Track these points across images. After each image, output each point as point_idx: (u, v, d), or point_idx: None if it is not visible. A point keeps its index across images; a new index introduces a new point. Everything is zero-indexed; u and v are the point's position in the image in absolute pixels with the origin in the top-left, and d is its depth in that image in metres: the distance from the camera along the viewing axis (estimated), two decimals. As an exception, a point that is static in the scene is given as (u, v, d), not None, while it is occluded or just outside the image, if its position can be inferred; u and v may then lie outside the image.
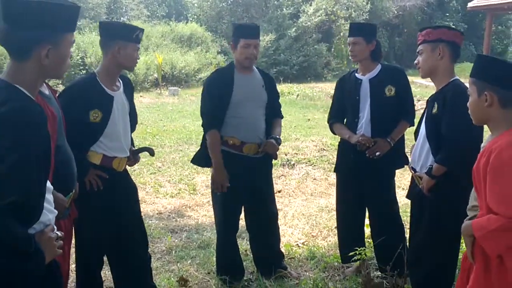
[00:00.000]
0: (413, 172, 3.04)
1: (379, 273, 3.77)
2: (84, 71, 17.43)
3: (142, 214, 5.24)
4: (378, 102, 3.62)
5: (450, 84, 2.85)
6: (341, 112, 3.89)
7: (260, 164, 3.58)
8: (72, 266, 3.30)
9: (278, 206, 5.54)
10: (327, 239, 4.56)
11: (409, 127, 3.68)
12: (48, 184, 1.80)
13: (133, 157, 3.26)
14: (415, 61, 3.01)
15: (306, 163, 7.24)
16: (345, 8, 23.89)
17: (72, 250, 3.07)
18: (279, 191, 6.08)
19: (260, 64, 21.37)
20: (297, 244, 4.47)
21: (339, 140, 3.97)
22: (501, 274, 2.02)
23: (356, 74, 3.75)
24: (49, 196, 1.80)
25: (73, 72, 17.19)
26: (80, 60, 17.46)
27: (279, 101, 3.89)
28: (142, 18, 31.91)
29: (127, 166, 3.26)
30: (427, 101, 3.05)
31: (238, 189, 3.52)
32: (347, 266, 3.95)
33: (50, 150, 1.73)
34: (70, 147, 2.66)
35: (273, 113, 3.73)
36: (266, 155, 3.61)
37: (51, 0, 1.71)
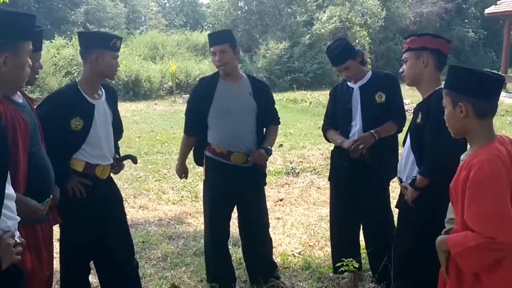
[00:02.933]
0: (399, 182, 2.99)
1: (374, 285, 3.71)
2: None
3: (143, 220, 5.36)
4: (369, 109, 3.59)
5: (435, 93, 2.79)
6: (335, 120, 3.85)
7: (249, 173, 3.54)
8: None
9: (279, 214, 5.55)
10: (324, 249, 4.50)
11: (397, 131, 3.63)
12: (11, 191, 1.82)
13: (117, 164, 3.28)
14: (400, 70, 2.96)
15: (311, 172, 7.19)
16: (360, 14, 23.80)
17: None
18: (281, 200, 6.05)
19: (274, 71, 21.45)
20: (293, 254, 4.43)
21: (332, 148, 3.94)
22: None
23: (348, 83, 3.73)
24: (9, 203, 1.82)
25: (110, 81, 17.53)
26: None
27: (275, 107, 3.86)
28: (160, 27, 32.32)
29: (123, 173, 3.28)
30: (413, 111, 3.00)
31: (226, 197, 3.52)
32: (343, 277, 3.90)
33: (7, 159, 1.74)
34: (53, 155, 2.70)
35: (267, 120, 3.71)
36: (258, 165, 3.59)
37: (6, 9, 1.74)
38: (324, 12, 23.22)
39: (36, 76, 2.65)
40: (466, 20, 28.07)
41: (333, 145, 3.85)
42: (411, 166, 2.87)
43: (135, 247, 4.44)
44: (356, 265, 3.45)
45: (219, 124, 3.49)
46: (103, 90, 3.17)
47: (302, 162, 7.58)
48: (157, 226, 5.15)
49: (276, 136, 3.79)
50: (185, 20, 38.14)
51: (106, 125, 3.13)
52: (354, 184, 3.66)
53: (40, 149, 2.51)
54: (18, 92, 2.51)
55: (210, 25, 26.56)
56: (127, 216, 5.34)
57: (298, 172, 7.13)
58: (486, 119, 2.04)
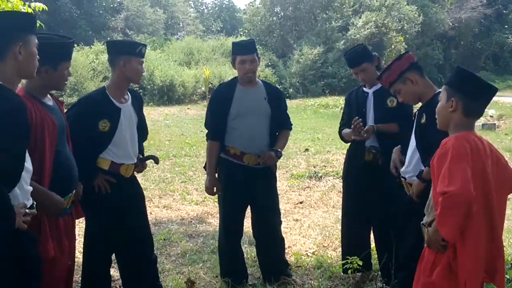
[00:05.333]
0: (403, 180, 3.11)
1: (383, 284, 3.81)
2: (137, 84, 18.24)
3: (166, 219, 5.61)
4: (381, 113, 3.74)
5: (435, 96, 2.93)
6: (349, 124, 3.99)
7: (261, 174, 3.73)
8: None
9: (297, 216, 5.71)
10: (337, 250, 4.62)
11: (398, 132, 3.72)
12: (29, 164, 2.19)
13: (141, 164, 3.51)
14: (400, 100, 3.11)
15: (334, 176, 7.29)
16: (397, 20, 23.62)
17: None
18: (301, 202, 6.20)
19: (307, 77, 21.53)
20: (307, 254, 4.57)
21: (347, 147, 4.08)
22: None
23: (364, 88, 3.89)
24: (26, 186, 2.17)
25: (136, 85, 18.08)
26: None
27: (287, 112, 4.02)
28: (197, 33, 32.85)
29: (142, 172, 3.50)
30: (415, 113, 3.13)
31: (239, 197, 3.72)
32: (354, 277, 4.01)
33: (29, 132, 2.17)
34: (81, 154, 2.99)
35: (280, 125, 3.88)
36: (268, 166, 3.77)
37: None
38: (360, 18, 23.17)
39: (66, 82, 2.89)
40: (506, 26, 27.39)
41: (346, 147, 4.01)
42: (415, 165, 3.00)
43: (156, 244, 4.72)
44: (360, 263, 3.56)
45: (236, 127, 3.69)
46: (129, 95, 3.41)
47: (325, 166, 7.69)
48: (179, 225, 5.38)
49: (287, 140, 3.96)
50: (222, 26, 38.64)
51: (131, 127, 3.36)
52: (366, 185, 3.80)
53: (65, 148, 2.78)
54: (48, 95, 2.79)
55: (246, 30, 26.89)
56: (151, 215, 5.68)
57: (321, 176, 7.26)
58: (470, 118, 2.35)
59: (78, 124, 3.08)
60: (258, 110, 3.72)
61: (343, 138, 4.03)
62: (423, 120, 2.97)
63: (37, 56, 2.30)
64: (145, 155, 3.61)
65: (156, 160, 3.63)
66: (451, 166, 2.15)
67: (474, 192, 2.11)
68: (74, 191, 2.82)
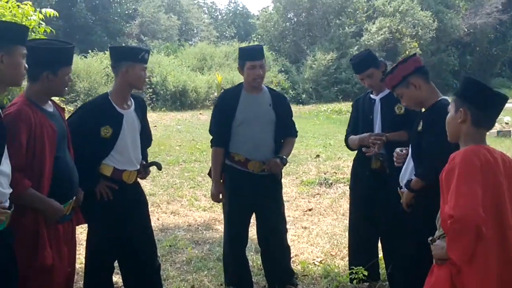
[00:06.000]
0: (399, 189, 3.05)
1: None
2: (150, 90, 18.34)
3: (173, 225, 5.57)
4: (389, 120, 3.67)
5: (437, 103, 2.87)
6: (357, 130, 3.94)
7: (265, 181, 3.67)
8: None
9: (306, 224, 5.63)
10: (345, 259, 4.53)
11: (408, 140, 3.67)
12: (5, 168, 2.24)
13: (143, 170, 3.48)
14: (404, 105, 3.04)
15: (345, 183, 7.19)
16: (411, 26, 23.47)
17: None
18: (310, 210, 6.12)
19: (320, 82, 21.47)
20: (314, 262, 4.50)
21: (354, 155, 4.01)
22: None
23: (371, 95, 3.83)
24: (3, 190, 2.22)
25: (140, 91, 18.15)
26: (147, 79, 18.39)
27: (293, 119, 3.96)
28: (211, 38, 33.00)
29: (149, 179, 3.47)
30: (416, 120, 3.06)
31: (243, 204, 3.67)
32: (360, 287, 3.93)
33: (4, 140, 2.20)
34: (83, 160, 2.97)
35: (285, 131, 3.82)
36: (273, 173, 3.71)
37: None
38: (374, 23, 23.10)
39: (66, 88, 2.87)
40: (523, 31, 27.07)
41: (355, 154, 3.94)
42: (410, 173, 2.93)
43: (162, 250, 4.69)
44: (365, 273, 3.48)
45: (240, 133, 3.64)
46: (132, 100, 3.38)
47: (336, 173, 7.61)
48: (186, 231, 5.34)
49: (292, 147, 3.89)
50: (235, 31, 38.75)
51: (133, 133, 3.33)
52: (372, 193, 3.72)
53: (65, 154, 2.76)
54: (49, 102, 2.77)
55: (259, 36, 26.93)
56: (158, 221, 5.65)
57: (331, 183, 7.17)
58: (480, 129, 2.24)
59: (80, 130, 3.07)
60: (263, 117, 3.67)
61: (348, 146, 3.96)
62: (419, 128, 2.91)
63: (25, 65, 2.35)
64: (148, 161, 3.59)
65: (159, 167, 3.60)
66: (458, 185, 2.05)
67: (482, 214, 2.01)
68: (74, 197, 2.80)
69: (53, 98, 2.89)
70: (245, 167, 3.64)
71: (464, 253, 2.05)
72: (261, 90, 3.75)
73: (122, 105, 3.28)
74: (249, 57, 3.62)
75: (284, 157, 3.68)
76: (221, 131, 3.67)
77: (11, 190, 2.29)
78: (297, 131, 3.94)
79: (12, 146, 2.43)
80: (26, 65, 2.37)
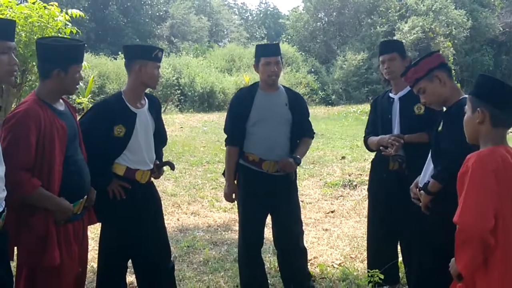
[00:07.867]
0: (418, 190, 2.94)
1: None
2: (178, 91, 18.49)
3: (193, 226, 5.56)
4: (408, 120, 3.56)
5: (458, 102, 2.74)
6: (376, 130, 3.84)
7: (280, 182, 3.60)
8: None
9: (327, 226, 5.53)
10: (365, 262, 4.41)
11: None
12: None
13: (157, 170, 3.46)
14: (422, 101, 2.90)
15: (369, 184, 7.06)
16: (445, 25, 22.95)
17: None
18: (332, 211, 6.02)
19: (351, 83, 21.22)
20: (333, 265, 4.41)
21: (373, 157, 3.91)
22: None
23: (390, 94, 3.72)
24: None
25: (168, 92, 18.31)
26: (175, 80, 18.54)
27: (309, 119, 3.88)
28: (241, 39, 33.09)
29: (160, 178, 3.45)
30: (437, 120, 2.94)
31: (258, 205, 3.60)
32: (380, 291, 3.82)
33: None
34: (96, 159, 2.97)
35: (301, 132, 3.74)
36: (289, 173, 3.63)
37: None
38: (406, 22, 22.70)
39: (77, 87, 2.87)
40: None
41: (373, 155, 3.83)
42: (429, 175, 2.82)
43: (180, 251, 4.68)
44: (382, 276, 3.37)
45: (255, 132, 3.58)
46: (146, 99, 3.37)
47: (361, 174, 7.46)
48: (205, 232, 5.32)
49: (308, 148, 3.81)
50: (266, 32, 38.75)
51: (146, 132, 3.32)
52: (391, 196, 3.61)
53: (76, 154, 2.75)
54: (61, 100, 2.78)
55: (289, 36, 26.83)
56: (178, 221, 5.65)
57: (356, 185, 7.04)
58: (499, 128, 2.15)
59: (93, 129, 3.07)
60: (278, 116, 3.60)
61: (368, 147, 3.86)
62: (440, 128, 2.79)
63: (13, 62, 2.32)
64: (163, 161, 3.57)
65: (172, 167, 3.58)
66: (468, 191, 1.97)
67: (490, 224, 1.93)
68: (85, 196, 2.80)
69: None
70: (260, 167, 3.58)
71: (469, 264, 1.98)
72: (277, 89, 3.68)
73: (135, 104, 3.27)
74: (264, 53, 3.56)
75: (298, 156, 3.60)
76: (235, 129, 3.62)
77: (5, 193, 2.27)
78: (314, 132, 3.86)
79: (21, 146, 2.44)
80: (17, 61, 2.35)
